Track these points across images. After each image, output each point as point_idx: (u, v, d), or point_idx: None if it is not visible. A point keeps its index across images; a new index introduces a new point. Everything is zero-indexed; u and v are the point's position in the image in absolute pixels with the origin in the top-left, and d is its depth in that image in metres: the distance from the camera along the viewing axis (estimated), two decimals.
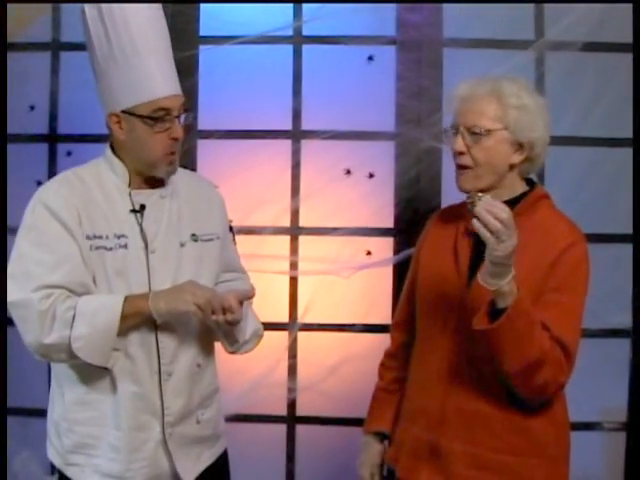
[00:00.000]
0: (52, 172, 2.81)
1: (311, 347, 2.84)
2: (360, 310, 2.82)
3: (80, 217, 1.90)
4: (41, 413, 2.09)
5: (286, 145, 2.81)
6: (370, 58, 2.80)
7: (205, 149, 2.82)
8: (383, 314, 2.74)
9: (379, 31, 2.79)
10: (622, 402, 2.77)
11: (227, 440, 2.17)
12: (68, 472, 1.97)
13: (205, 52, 2.79)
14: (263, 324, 2.14)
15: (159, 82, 1.92)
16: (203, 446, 2.04)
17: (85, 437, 1.94)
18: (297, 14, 2.78)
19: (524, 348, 1.82)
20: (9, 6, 2.56)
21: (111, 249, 1.91)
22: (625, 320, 2.74)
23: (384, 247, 2.81)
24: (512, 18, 2.72)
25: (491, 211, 1.72)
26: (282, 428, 2.85)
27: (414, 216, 2.67)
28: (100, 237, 1.91)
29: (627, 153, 2.74)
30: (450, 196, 2.54)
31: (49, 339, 1.83)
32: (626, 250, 2.76)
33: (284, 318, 2.81)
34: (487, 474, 1.93)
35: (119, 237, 1.93)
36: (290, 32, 2.78)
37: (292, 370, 2.81)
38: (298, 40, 2.79)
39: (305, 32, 2.79)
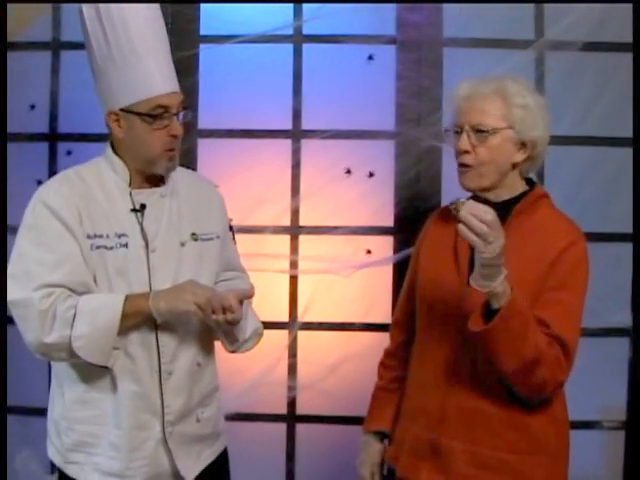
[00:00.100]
0: (52, 171, 2.81)
1: (311, 346, 2.84)
2: (360, 309, 2.82)
3: (81, 216, 1.91)
4: (41, 412, 2.10)
5: (286, 144, 2.81)
6: (370, 57, 2.80)
7: (205, 148, 2.82)
8: (383, 313, 2.74)
9: (379, 30, 2.79)
10: (621, 401, 2.77)
11: (227, 439, 2.17)
12: (68, 470, 1.98)
13: (205, 51, 2.79)
14: (263, 323, 2.14)
15: (157, 80, 1.92)
16: (203, 444, 2.05)
17: (85, 436, 1.95)
18: (297, 13, 2.78)
19: (519, 347, 1.82)
20: (9, 6, 2.56)
21: (112, 248, 1.92)
22: (625, 319, 2.75)
23: (384, 246, 2.81)
24: (512, 18, 2.72)
25: (475, 214, 1.72)
26: (282, 427, 2.86)
27: (414, 215, 2.67)
28: (101, 236, 1.91)
29: (627, 153, 2.74)
30: (450, 195, 2.52)
31: (50, 338, 1.84)
32: (626, 249, 2.76)
33: (284, 317, 2.82)
34: (487, 472, 1.94)
35: (120, 236, 1.93)
36: (290, 31, 2.78)
37: (292, 369, 2.82)
38: (298, 39, 2.79)
39: (305, 31, 2.79)
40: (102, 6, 1.91)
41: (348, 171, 2.82)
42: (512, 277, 1.86)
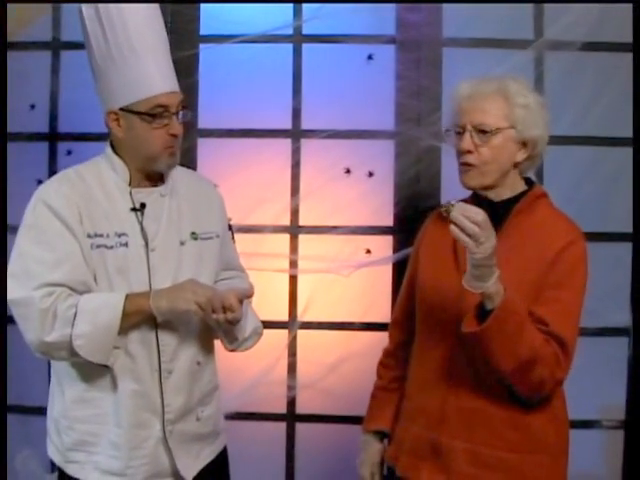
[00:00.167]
0: (52, 171, 2.81)
1: (311, 345, 2.84)
2: (360, 308, 2.83)
3: (81, 215, 1.91)
4: (41, 411, 2.10)
5: (286, 144, 2.81)
6: (370, 57, 2.81)
7: (205, 148, 2.83)
8: (382, 312, 2.74)
9: (379, 30, 2.79)
10: (621, 400, 2.78)
11: (227, 438, 2.17)
12: (68, 469, 1.98)
13: (205, 51, 2.79)
14: (263, 322, 2.15)
15: (157, 79, 1.93)
16: (203, 443, 2.05)
17: (85, 434, 1.95)
18: (297, 13, 2.78)
19: (515, 348, 1.83)
20: (9, 6, 2.56)
21: (112, 247, 1.92)
22: (624, 319, 2.75)
23: (383, 246, 2.82)
24: (511, 18, 2.72)
25: (467, 215, 1.73)
26: (282, 426, 2.86)
27: (414, 215, 2.67)
28: (101, 235, 1.92)
29: (626, 152, 2.74)
30: (449, 195, 2.54)
31: (50, 337, 1.84)
32: (625, 249, 2.76)
33: (284, 316, 2.82)
34: (488, 471, 1.94)
35: (120, 235, 1.93)
36: (290, 31, 2.78)
37: (292, 368, 2.82)
38: (298, 39, 2.79)
39: (305, 31, 2.79)
40: (101, 6, 1.92)
41: (348, 171, 2.82)
42: (512, 276, 1.87)
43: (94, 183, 1.97)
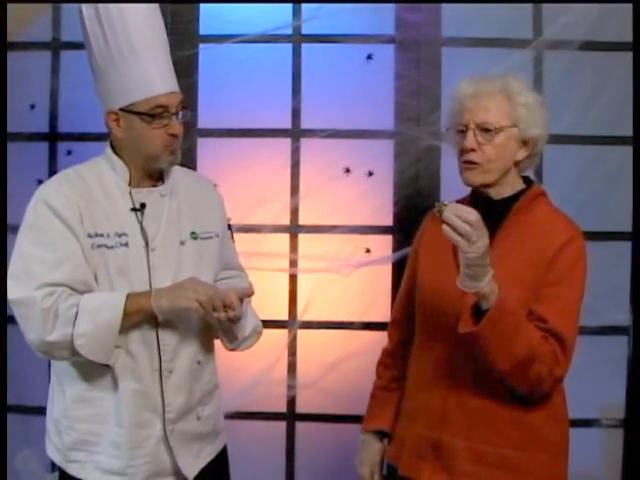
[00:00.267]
0: (52, 171, 2.81)
1: (311, 344, 2.85)
2: (359, 308, 2.83)
3: (81, 215, 1.91)
4: (41, 411, 2.09)
5: (285, 143, 2.81)
6: (369, 57, 2.81)
7: (205, 147, 2.83)
8: (382, 312, 2.75)
9: (378, 30, 2.79)
10: (620, 399, 2.78)
11: (227, 437, 2.17)
12: (69, 469, 1.98)
13: (205, 51, 2.80)
14: (263, 322, 2.15)
15: (156, 80, 1.93)
16: (203, 442, 2.05)
17: (86, 434, 1.95)
18: (296, 13, 2.79)
19: (511, 346, 1.83)
20: (9, 6, 2.56)
21: (112, 247, 1.92)
22: (623, 318, 2.75)
23: (383, 245, 2.82)
24: (510, 17, 2.72)
25: (459, 215, 1.74)
26: (282, 425, 2.86)
27: (413, 214, 2.68)
28: (101, 235, 1.92)
29: (625, 151, 2.74)
30: (449, 194, 2.55)
31: (52, 337, 1.84)
32: (625, 248, 2.77)
33: (284, 316, 2.82)
34: (490, 469, 1.95)
35: (120, 235, 1.94)
36: (289, 31, 2.79)
37: (292, 367, 2.82)
38: (297, 39, 2.80)
39: (304, 31, 2.79)
40: (101, 6, 1.92)
41: (347, 170, 2.83)
42: (511, 274, 1.88)
43: (94, 183, 1.98)
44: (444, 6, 2.75)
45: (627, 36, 2.72)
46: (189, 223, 2.04)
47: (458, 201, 2.07)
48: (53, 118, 2.90)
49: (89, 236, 1.91)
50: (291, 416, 2.85)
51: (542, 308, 1.90)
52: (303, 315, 2.82)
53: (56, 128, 2.90)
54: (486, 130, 1.96)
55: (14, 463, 2.80)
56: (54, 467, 2.12)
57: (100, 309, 1.86)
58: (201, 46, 2.80)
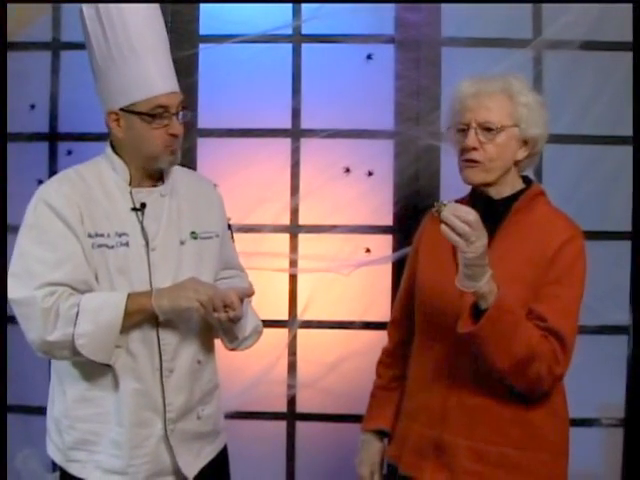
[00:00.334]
0: (53, 171, 2.82)
1: (311, 344, 2.85)
2: (359, 307, 2.83)
3: (82, 215, 1.91)
4: (42, 411, 2.09)
5: (285, 143, 2.82)
6: (369, 57, 2.81)
7: (205, 147, 2.83)
8: (382, 311, 2.75)
9: (378, 30, 2.80)
10: (620, 398, 2.78)
11: (227, 437, 2.18)
12: (70, 469, 1.98)
13: (205, 51, 2.80)
14: (263, 321, 2.15)
15: (157, 80, 1.93)
16: (204, 442, 2.06)
17: (86, 434, 1.95)
18: (296, 13, 2.79)
19: (510, 346, 1.84)
20: (9, 6, 2.56)
21: (113, 247, 1.93)
22: (623, 317, 2.75)
23: (383, 245, 2.82)
24: (510, 17, 2.73)
25: (457, 215, 1.74)
26: (282, 425, 2.86)
27: (413, 214, 2.68)
28: (102, 235, 1.92)
29: (625, 151, 2.75)
30: (449, 193, 2.55)
31: (52, 336, 1.85)
32: (625, 247, 2.77)
33: (284, 315, 2.82)
34: (491, 468, 1.95)
35: (120, 235, 1.94)
36: (289, 31, 2.79)
37: (292, 367, 2.82)
38: (297, 39, 2.80)
39: (304, 31, 2.80)
40: (102, 6, 1.92)
41: (347, 170, 2.83)
42: (511, 274, 1.88)
43: (94, 183, 1.98)
44: (444, 6, 2.75)
45: (627, 36, 2.72)
46: (189, 223, 2.04)
47: (457, 201, 2.07)
48: (53, 118, 2.90)
49: (89, 236, 1.91)
50: (291, 416, 2.86)
51: (542, 307, 1.90)
52: (303, 315, 2.82)
53: (56, 128, 2.90)
54: (488, 129, 1.96)
55: (15, 463, 2.80)
56: (55, 467, 2.13)
57: (101, 309, 1.86)
58: (201, 46, 2.80)
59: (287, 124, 2.81)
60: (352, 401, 2.73)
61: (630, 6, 2.69)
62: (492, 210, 1.99)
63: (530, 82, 2.50)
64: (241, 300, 1.91)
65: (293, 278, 2.83)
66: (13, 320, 1.94)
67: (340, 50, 2.80)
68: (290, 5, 2.79)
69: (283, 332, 2.82)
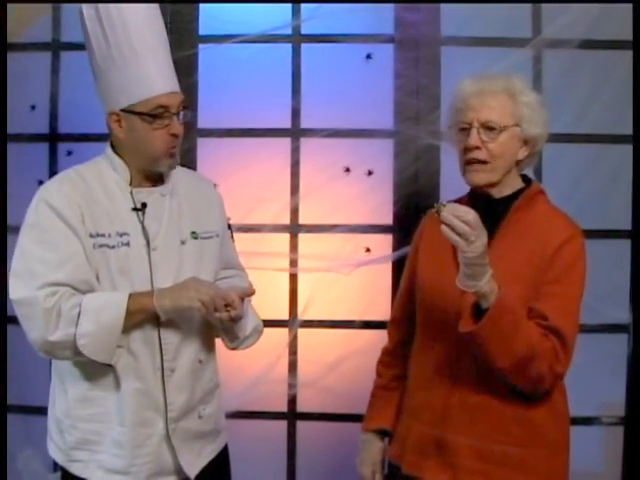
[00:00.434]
0: (53, 171, 2.81)
1: (311, 344, 2.85)
2: (360, 307, 2.83)
3: (83, 215, 1.92)
4: (43, 411, 2.10)
5: (285, 143, 2.82)
6: (368, 56, 2.81)
7: (205, 147, 2.83)
8: (382, 310, 2.75)
9: (377, 29, 2.80)
10: (620, 397, 2.78)
11: (228, 436, 2.18)
12: (72, 468, 1.98)
13: (205, 51, 2.80)
14: (263, 321, 2.15)
15: (157, 80, 1.93)
16: (205, 441, 2.06)
17: (88, 433, 1.95)
18: (296, 13, 2.79)
19: (511, 345, 1.84)
20: (9, 6, 2.57)
21: (114, 247, 1.93)
22: (623, 316, 2.76)
23: (383, 244, 2.82)
24: (509, 16, 2.73)
25: (457, 215, 1.75)
26: (283, 424, 2.86)
27: (413, 213, 2.68)
28: (103, 235, 1.92)
29: (625, 150, 2.75)
30: (448, 193, 2.55)
31: (54, 336, 1.85)
32: (624, 246, 2.77)
33: (284, 315, 2.83)
34: (493, 466, 1.95)
35: (121, 235, 1.94)
36: (289, 31, 2.79)
37: (292, 366, 2.83)
38: (297, 39, 2.80)
39: (304, 31, 2.80)
40: (101, 6, 1.92)
41: (347, 169, 2.83)
42: (511, 272, 1.89)
43: (95, 183, 1.98)
44: (443, 5, 2.75)
45: (626, 35, 2.72)
46: (189, 223, 2.05)
47: (456, 200, 2.08)
48: (53, 119, 2.90)
49: (90, 236, 1.91)
50: (292, 415, 2.86)
51: (542, 306, 1.90)
52: (303, 314, 2.82)
53: (56, 129, 2.91)
54: (490, 129, 1.96)
55: (16, 463, 2.80)
56: (56, 467, 2.13)
57: (103, 309, 1.86)
58: (201, 46, 2.80)
59: (287, 124, 2.81)
60: (353, 400, 2.73)
61: (629, 5, 2.69)
62: (492, 209, 2.00)
63: (529, 81, 2.51)
64: (242, 299, 1.91)
65: (293, 278, 2.83)
66: (13, 320, 1.94)
67: (340, 50, 2.80)
68: (289, 5, 2.79)
69: (283, 332, 2.82)
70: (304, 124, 2.81)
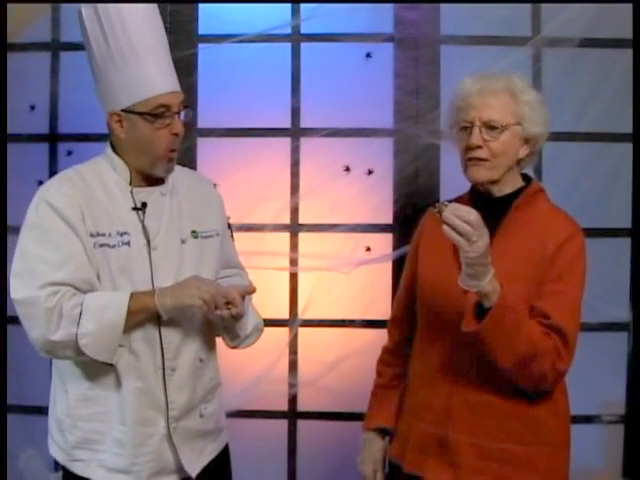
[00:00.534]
0: (53, 172, 2.82)
1: (311, 343, 2.85)
2: (360, 306, 2.84)
3: (83, 215, 1.92)
4: (44, 411, 2.10)
5: (285, 143, 2.82)
6: (368, 55, 2.81)
7: (205, 147, 2.84)
8: (383, 309, 2.75)
9: (377, 28, 2.80)
10: (620, 395, 2.79)
11: (229, 435, 2.18)
12: (73, 468, 1.98)
13: (204, 51, 2.80)
14: (264, 320, 2.15)
15: (158, 80, 1.93)
16: (206, 440, 2.06)
17: (89, 433, 1.96)
18: (295, 12, 2.79)
19: (513, 344, 1.85)
20: (9, 6, 2.57)
21: (114, 246, 1.93)
22: (623, 314, 2.76)
23: (383, 243, 2.83)
24: (509, 15, 2.73)
25: (458, 215, 1.75)
26: (283, 424, 2.87)
27: (413, 212, 2.68)
28: (103, 235, 1.93)
29: (625, 148, 2.75)
30: (448, 192, 2.56)
31: (56, 336, 1.85)
32: (624, 245, 2.77)
33: (284, 314, 2.83)
34: (495, 464, 1.95)
35: (122, 234, 1.94)
36: (288, 30, 2.80)
37: (293, 366, 2.83)
38: (296, 38, 2.80)
39: (303, 30, 2.80)
40: (101, 6, 1.92)
41: (347, 169, 2.83)
42: (512, 271, 1.89)
43: (95, 183, 1.98)
44: (443, 4, 2.75)
45: (626, 33, 2.73)
46: (190, 222, 2.05)
47: (457, 199, 2.08)
48: (53, 119, 2.90)
49: (91, 235, 1.91)
50: (292, 414, 2.86)
51: (544, 304, 1.91)
52: (304, 313, 2.83)
53: (56, 129, 2.91)
54: (491, 128, 1.97)
55: (17, 463, 2.80)
56: (57, 466, 2.13)
57: (104, 308, 1.86)
58: (200, 46, 2.80)
59: (287, 123, 2.81)
60: (353, 399, 2.74)
61: (629, 3, 2.69)
62: (492, 208, 2.00)
63: (529, 80, 2.51)
64: (242, 297, 1.91)
65: (293, 277, 2.83)
66: (13, 320, 1.94)
67: (339, 49, 2.81)
68: (289, 5, 2.79)
69: (284, 331, 2.82)
70: (304, 123, 2.81)
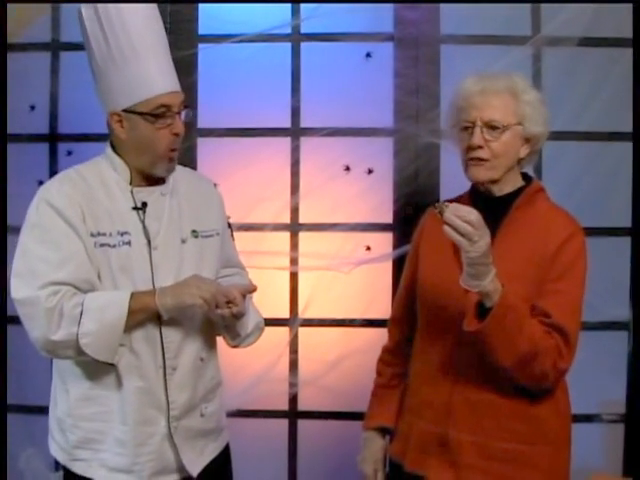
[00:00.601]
0: (53, 172, 2.82)
1: (312, 342, 2.85)
2: (360, 305, 2.84)
3: (84, 214, 1.92)
4: (45, 410, 2.10)
5: (285, 142, 2.82)
6: (368, 55, 2.81)
7: (205, 147, 2.84)
8: (383, 309, 2.75)
9: (377, 28, 2.80)
10: (621, 394, 2.79)
11: (229, 435, 2.18)
12: (74, 467, 1.98)
13: (204, 51, 2.81)
14: (264, 320, 2.15)
15: (158, 80, 1.93)
16: (207, 439, 2.06)
17: (90, 432, 1.96)
18: (295, 12, 2.80)
19: (515, 343, 1.85)
20: (9, 6, 2.57)
21: (115, 246, 1.93)
22: (623, 313, 2.76)
23: (383, 242, 2.83)
24: (509, 14, 2.73)
25: (459, 215, 1.75)
26: (284, 423, 2.87)
27: (413, 211, 2.69)
28: (104, 234, 1.93)
29: (625, 147, 2.75)
30: (448, 191, 2.56)
31: (57, 336, 1.85)
32: (624, 244, 2.77)
33: (285, 314, 2.83)
34: (496, 463, 1.96)
35: (122, 234, 1.94)
36: (288, 30, 2.80)
37: (293, 365, 2.83)
38: (296, 38, 2.81)
39: (303, 30, 2.80)
40: (101, 6, 1.92)
41: (347, 168, 2.83)
42: (513, 270, 1.89)
43: (95, 182, 1.98)
44: (442, 4, 2.75)
45: (626, 32, 2.73)
46: (190, 221, 2.05)
47: (457, 198, 2.08)
48: (53, 119, 2.90)
49: (92, 235, 1.92)
50: (293, 414, 2.86)
51: (545, 303, 1.91)
52: (304, 313, 2.83)
53: (56, 129, 2.91)
54: (493, 128, 1.97)
55: (18, 463, 2.80)
56: (58, 466, 2.13)
57: (105, 308, 1.86)
58: (200, 46, 2.81)
59: (287, 123, 2.82)
60: (353, 399, 2.74)
61: (629, 3, 2.69)
62: (492, 207, 2.00)
63: (529, 79, 2.51)
64: (243, 296, 1.92)
65: (294, 276, 2.83)
66: (14, 320, 1.94)
67: (339, 48, 2.81)
68: (289, 4, 2.80)
69: (284, 330, 2.82)
70: (304, 123, 2.81)
